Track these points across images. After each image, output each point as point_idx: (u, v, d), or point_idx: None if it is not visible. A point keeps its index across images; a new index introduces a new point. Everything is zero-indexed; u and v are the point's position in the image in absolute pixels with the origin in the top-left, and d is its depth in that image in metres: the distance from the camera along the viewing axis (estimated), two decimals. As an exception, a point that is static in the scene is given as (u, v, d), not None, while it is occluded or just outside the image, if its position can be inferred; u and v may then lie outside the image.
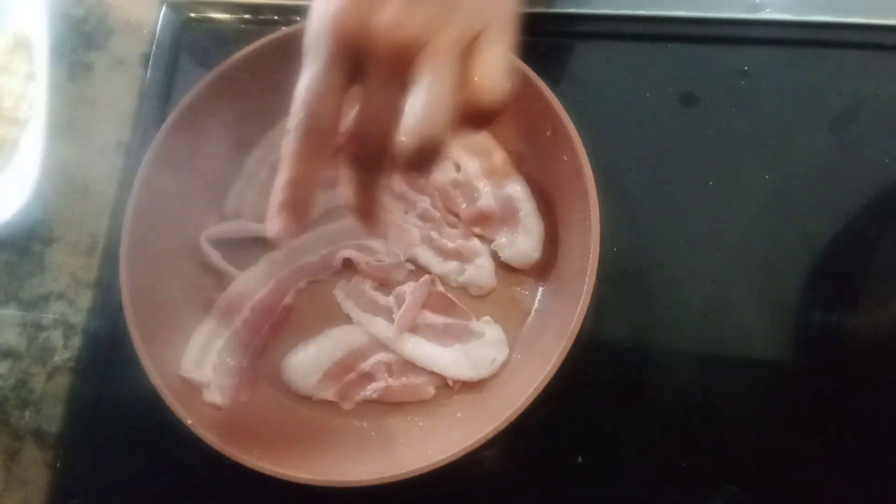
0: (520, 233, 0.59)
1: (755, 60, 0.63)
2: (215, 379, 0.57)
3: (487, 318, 0.59)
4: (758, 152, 0.61)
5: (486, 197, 0.60)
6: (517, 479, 0.57)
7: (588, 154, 0.54)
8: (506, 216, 0.60)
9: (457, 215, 0.62)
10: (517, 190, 0.60)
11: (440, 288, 0.60)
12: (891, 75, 0.62)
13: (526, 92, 0.57)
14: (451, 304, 0.60)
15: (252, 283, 0.61)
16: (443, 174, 0.62)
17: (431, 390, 0.58)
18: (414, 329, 0.59)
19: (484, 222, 0.61)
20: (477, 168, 0.61)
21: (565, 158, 0.56)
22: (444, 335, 0.59)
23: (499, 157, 0.61)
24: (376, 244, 0.61)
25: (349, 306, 0.60)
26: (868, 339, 0.58)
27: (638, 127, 0.63)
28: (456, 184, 0.62)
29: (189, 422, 0.52)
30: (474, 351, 0.58)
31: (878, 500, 0.55)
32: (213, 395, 0.56)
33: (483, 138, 0.62)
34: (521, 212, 0.59)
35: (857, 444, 0.55)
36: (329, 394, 0.58)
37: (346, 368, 0.58)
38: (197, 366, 0.57)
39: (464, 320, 0.59)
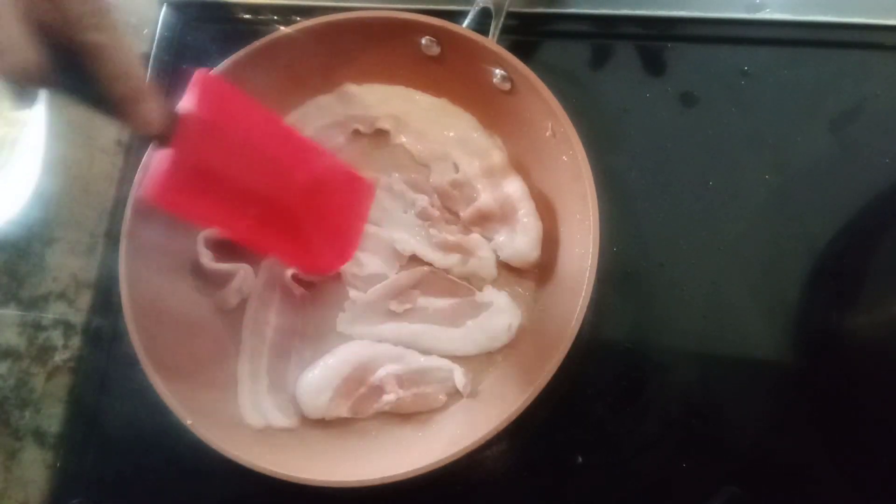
0: (519, 232, 0.59)
1: (755, 60, 0.63)
2: (274, 401, 0.58)
3: (489, 286, 0.59)
4: (758, 152, 0.61)
5: (485, 197, 0.60)
6: (517, 479, 0.57)
7: (588, 154, 0.54)
8: (505, 216, 0.60)
9: (456, 215, 0.62)
10: (516, 189, 0.60)
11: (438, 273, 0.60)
12: (891, 75, 0.62)
13: (526, 92, 0.57)
14: (452, 285, 0.60)
15: (258, 298, 0.61)
16: (442, 174, 0.62)
17: (443, 398, 0.57)
18: (423, 319, 0.59)
19: (483, 222, 0.61)
20: (476, 168, 0.61)
21: (565, 158, 0.56)
22: (453, 316, 0.59)
23: (498, 156, 0.61)
24: (365, 256, 0.61)
25: (358, 331, 0.60)
26: (868, 339, 0.58)
27: (638, 127, 0.63)
28: (455, 184, 0.61)
29: (189, 422, 0.52)
30: (487, 321, 0.58)
31: (877, 500, 0.55)
32: (279, 420, 0.57)
33: (482, 138, 0.62)
34: (520, 211, 0.59)
35: (857, 444, 0.55)
36: (343, 411, 0.57)
37: (356, 384, 0.57)
38: (255, 409, 0.57)
39: (469, 296, 0.59)
